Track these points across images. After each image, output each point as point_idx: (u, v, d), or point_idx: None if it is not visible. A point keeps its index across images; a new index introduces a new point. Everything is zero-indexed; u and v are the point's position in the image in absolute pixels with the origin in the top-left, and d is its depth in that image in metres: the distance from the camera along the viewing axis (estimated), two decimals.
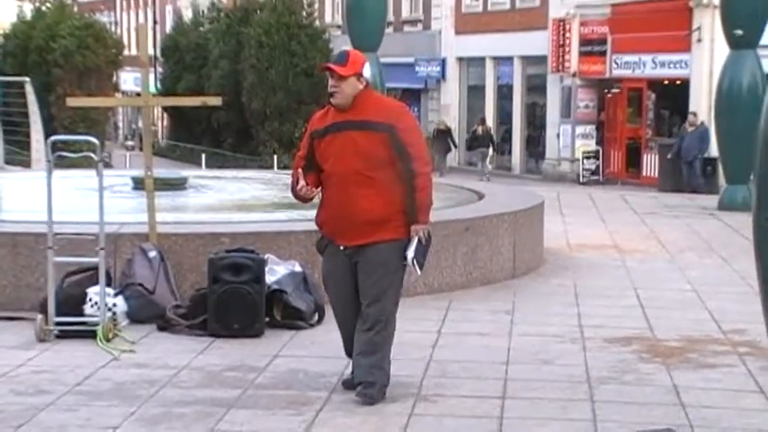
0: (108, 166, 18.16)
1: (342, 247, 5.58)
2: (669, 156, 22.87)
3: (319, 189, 5.64)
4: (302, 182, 5.54)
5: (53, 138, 7.18)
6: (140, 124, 50.00)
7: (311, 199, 5.68)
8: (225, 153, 33.04)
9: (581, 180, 26.92)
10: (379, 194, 5.44)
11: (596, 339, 7.12)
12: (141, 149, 43.24)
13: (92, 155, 7.18)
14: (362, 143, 5.42)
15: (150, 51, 54.64)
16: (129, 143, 44.54)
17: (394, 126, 5.43)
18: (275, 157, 27.98)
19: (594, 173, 27.44)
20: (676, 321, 7.70)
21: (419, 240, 5.53)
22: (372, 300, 5.56)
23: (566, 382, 6.11)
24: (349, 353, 5.81)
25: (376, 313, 5.57)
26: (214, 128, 33.57)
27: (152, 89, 51.33)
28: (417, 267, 5.57)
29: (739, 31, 14.21)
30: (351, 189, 5.45)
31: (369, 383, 5.58)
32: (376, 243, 5.50)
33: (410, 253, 5.51)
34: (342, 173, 5.46)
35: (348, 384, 5.79)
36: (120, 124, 54.20)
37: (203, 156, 28.73)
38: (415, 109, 36.03)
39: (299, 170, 5.57)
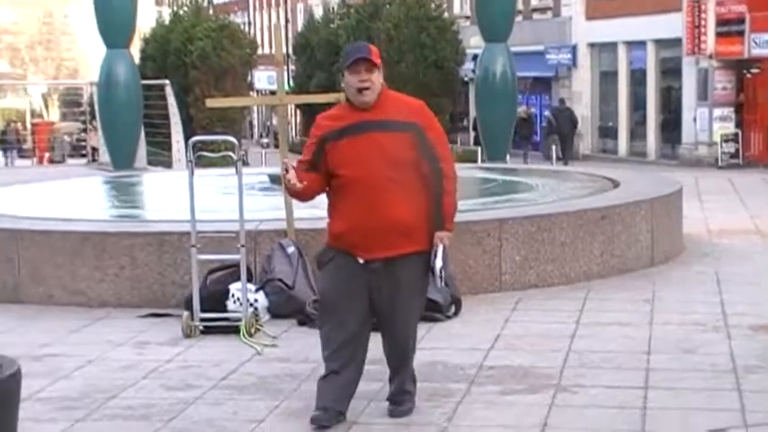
0: (245, 164, 18.45)
1: (362, 261, 4.99)
2: None
3: (312, 187, 5.10)
4: (291, 172, 5.02)
5: (194, 138, 7.39)
6: (275, 122, 50.94)
7: (300, 192, 5.10)
8: None
9: (720, 164, 26.24)
10: (406, 201, 4.93)
11: (741, 327, 6.95)
12: (276, 147, 44.08)
13: (231, 154, 7.37)
14: (388, 145, 4.88)
15: (283, 50, 55.74)
16: (264, 140, 45.40)
17: (419, 125, 4.99)
18: None
19: (734, 156, 26.70)
20: None
21: (444, 249, 5.08)
22: (403, 322, 5.15)
23: (710, 372, 5.99)
24: (334, 371, 5.23)
25: (405, 336, 5.22)
26: None
27: (285, 87, 52.21)
28: (442, 279, 5.14)
29: None
30: (378, 196, 4.88)
31: (407, 393, 5.38)
32: (404, 256, 5.01)
33: (438, 262, 5.04)
34: (367, 178, 4.89)
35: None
36: (255, 122, 55.26)
37: None
38: (547, 97, 35.69)
39: (287, 163, 5.12)
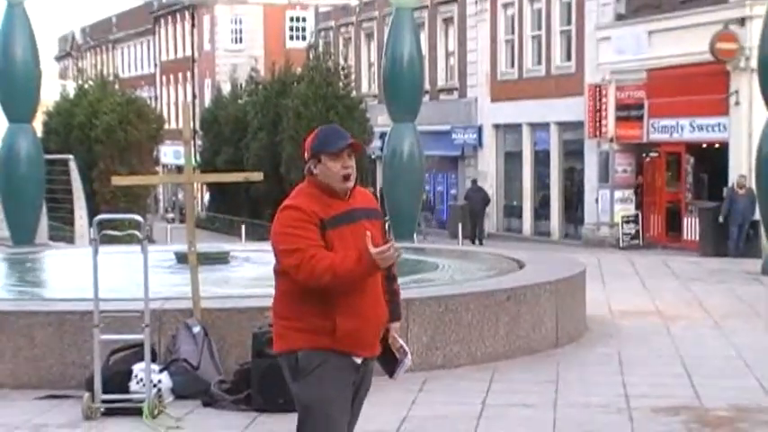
0: (151, 240, 18.32)
1: (360, 361, 4.57)
2: (721, 219, 22.63)
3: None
4: (369, 244, 4.37)
5: (99, 217, 7.30)
6: (180, 197, 50.60)
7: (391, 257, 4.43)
8: (264, 224, 33.25)
9: (621, 245, 26.78)
10: (381, 292, 4.63)
11: (643, 409, 7.04)
12: (182, 222, 43.44)
13: (136, 233, 7.28)
14: (374, 234, 4.51)
15: (191, 127, 55.48)
16: (170, 215, 44.99)
17: (381, 213, 4.79)
18: None
19: (634, 237, 27.30)
20: (724, 390, 7.60)
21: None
22: (357, 416, 4.78)
23: None
24: None
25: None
26: (253, 199, 33.85)
27: (192, 164, 51.97)
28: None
29: None
30: (375, 289, 4.55)
31: None
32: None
33: (408, 360, 4.74)
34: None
35: None
36: (161, 197, 54.79)
37: (243, 227, 28.93)
38: (453, 176, 36.17)
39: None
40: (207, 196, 44.40)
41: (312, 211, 4.47)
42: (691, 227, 25.76)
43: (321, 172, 4.51)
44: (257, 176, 8.19)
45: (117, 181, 7.90)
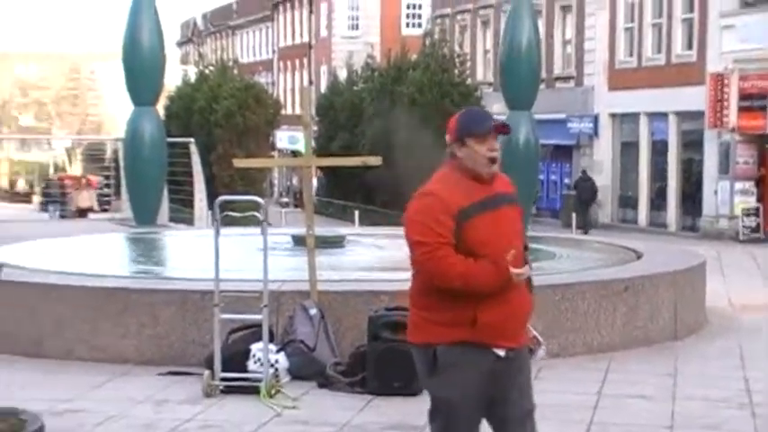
0: (267, 223, 18.46)
1: (502, 353, 4.36)
2: None
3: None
4: (509, 264, 4.24)
5: (221, 198, 7.44)
6: (294, 182, 51.19)
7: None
8: (377, 210, 33.42)
9: (740, 238, 26.14)
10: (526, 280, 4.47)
11: (766, 405, 6.87)
12: (296, 206, 43.94)
13: (257, 214, 7.41)
14: (516, 220, 4.43)
15: (310, 112, 56.18)
16: (284, 200, 45.59)
17: (516, 195, 4.58)
18: None
19: (755, 230, 26.61)
20: None
21: None
22: (530, 408, 4.53)
23: None
24: None
25: (533, 428, 4.56)
26: (366, 185, 34.02)
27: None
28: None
29: None
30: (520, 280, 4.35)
31: None
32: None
33: (542, 351, 4.65)
34: (516, 258, 4.34)
35: None
36: (276, 182, 55.53)
37: (356, 213, 29.12)
38: (567, 166, 35.77)
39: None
40: (315, 181, 44.83)
41: (450, 201, 4.28)
42: None
43: (465, 155, 4.35)
44: (375, 161, 8.24)
45: (238, 163, 8.05)
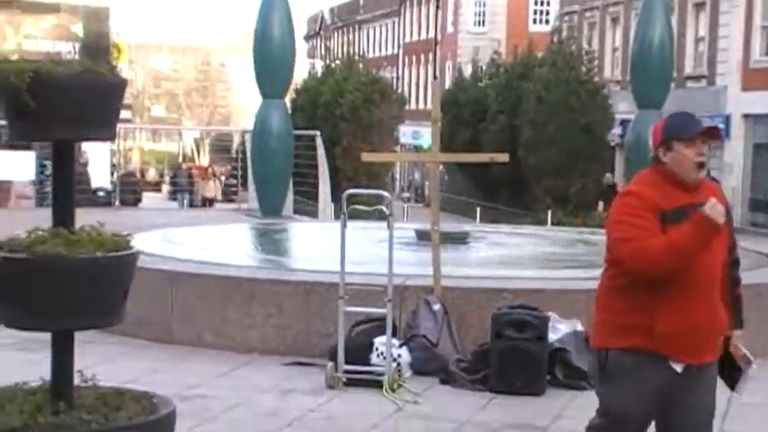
0: (377, 213, 18.48)
1: (680, 368, 4.20)
2: None
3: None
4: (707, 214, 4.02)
5: (349, 191, 7.50)
6: (417, 177, 51.30)
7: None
8: (499, 207, 33.28)
9: None
10: (718, 295, 4.30)
11: None
12: (417, 201, 43.89)
13: (383, 208, 7.45)
14: (723, 233, 4.20)
15: (429, 106, 56.03)
16: (405, 195, 45.71)
17: (727, 209, 4.28)
18: (549, 212, 27.87)
19: None
20: None
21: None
22: (708, 417, 4.39)
23: None
24: None
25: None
26: (489, 182, 33.91)
27: (429, 143, 52.67)
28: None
29: None
30: (710, 290, 4.20)
31: None
32: (715, 360, 4.37)
33: (754, 366, 4.43)
34: (708, 272, 4.18)
35: None
36: (397, 176, 55.74)
37: (478, 209, 29.04)
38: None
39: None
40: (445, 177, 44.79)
41: (653, 200, 4.15)
42: None
43: (672, 159, 4.21)
44: (503, 157, 8.19)
45: (366, 157, 8.11)
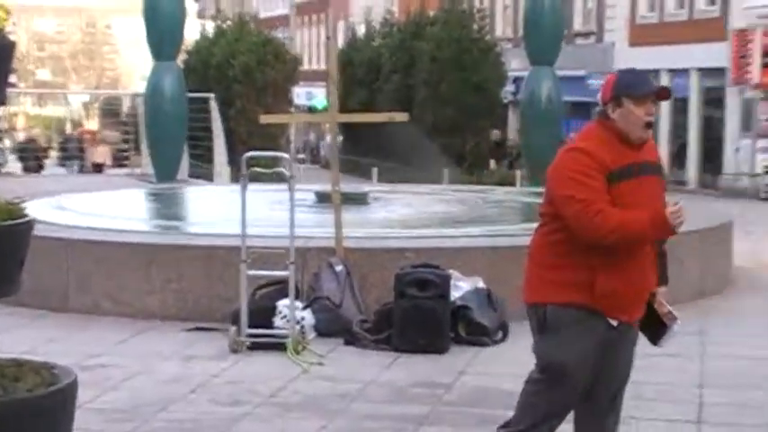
0: (276, 175, 18.34)
1: (616, 324, 4.24)
2: None
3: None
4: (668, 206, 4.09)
5: (248, 154, 7.38)
6: (312, 137, 51.03)
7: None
8: (395, 166, 33.32)
9: (761, 196, 25.97)
10: (651, 254, 4.33)
11: None
12: (314, 162, 43.53)
13: (284, 170, 7.37)
14: (661, 192, 4.27)
15: (323, 67, 55.37)
16: (301, 156, 45.45)
17: (660, 165, 4.41)
18: (445, 171, 28.04)
19: None
20: None
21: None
22: (623, 385, 4.50)
23: (767, 408, 5.90)
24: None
25: (621, 401, 4.55)
26: (384, 141, 33.91)
27: (323, 103, 52.44)
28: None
29: None
30: (644, 249, 4.22)
31: None
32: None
33: (677, 327, 4.48)
34: None
35: None
36: (293, 137, 55.39)
37: (375, 169, 29.03)
38: (586, 122, 35.54)
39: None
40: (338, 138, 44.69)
41: (602, 159, 4.12)
42: None
43: (621, 116, 4.18)
44: (402, 117, 8.17)
45: (265, 119, 8.01)
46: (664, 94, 4.26)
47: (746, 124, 27.71)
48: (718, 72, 28.73)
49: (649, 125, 4.19)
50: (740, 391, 6.25)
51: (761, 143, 27.29)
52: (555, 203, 4.24)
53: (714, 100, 29.80)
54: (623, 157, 4.16)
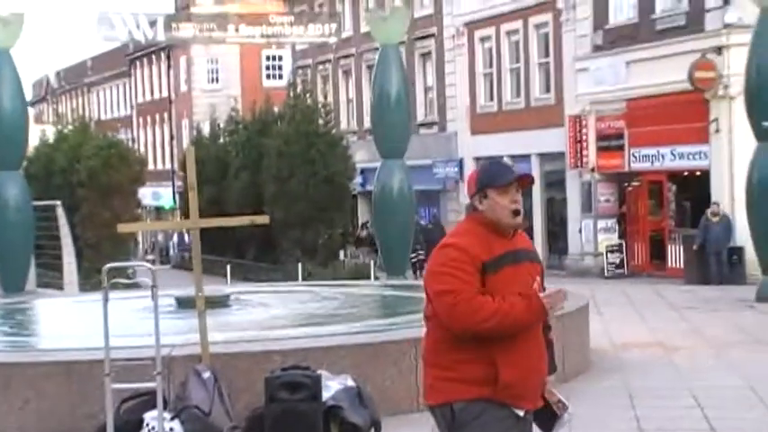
0: (136, 285, 17.98)
1: (522, 414, 4.27)
2: (695, 247, 22.83)
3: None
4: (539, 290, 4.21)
5: (109, 265, 7.24)
6: (160, 238, 50.33)
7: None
8: (248, 263, 33.16)
9: (606, 274, 26.83)
10: (544, 341, 4.41)
11: None
12: (162, 263, 42.77)
13: (146, 280, 7.25)
14: (537, 278, 4.33)
15: (168, 166, 54.84)
16: (150, 257, 44.73)
17: (536, 253, 4.50)
18: (299, 265, 28.04)
19: (619, 266, 27.34)
20: (738, 421, 7.61)
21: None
22: None
23: None
24: None
25: None
26: (236, 239, 33.76)
27: (171, 203, 51.96)
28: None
29: (767, 123, 14.34)
30: (538, 336, 4.30)
31: None
32: None
33: (567, 415, 4.51)
34: None
35: None
36: (140, 239, 54.54)
37: (228, 267, 28.80)
38: (435, 210, 36.22)
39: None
40: (185, 238, 44.19)
41: (474, 253, 4.16)
42: (675, 255, 25.86)
43: (488, 207, 4.26)
44: (263, 219, 8.18)
45: (123, 228, 7.88)
46: (525, 180, 4.33)
47: (587, 206, 28.71)
48: (558, 156, 29.79)
49: (517, 212, 4.26)
50: None
51: (601, 223, 28.29)
52: (432, 301, 4.26)
53: (555, 183, 30.83)
54: (497, 247, 4.22)
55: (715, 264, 22.31)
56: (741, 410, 7.97)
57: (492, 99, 33.27)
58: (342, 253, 32.63)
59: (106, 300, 7.05)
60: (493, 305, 4.10)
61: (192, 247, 8.14)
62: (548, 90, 30.89)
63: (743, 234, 20.29)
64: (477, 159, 33.93)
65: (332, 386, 7.58)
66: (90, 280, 22.32)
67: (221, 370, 7.74)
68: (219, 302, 10.55)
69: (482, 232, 4.25)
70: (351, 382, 7.70)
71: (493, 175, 4.31)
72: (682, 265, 24.35)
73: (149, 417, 7.22)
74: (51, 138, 35.83)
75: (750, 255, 19.12)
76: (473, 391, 4.15)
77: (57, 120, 40.63)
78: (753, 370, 9.52)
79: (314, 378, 7.31)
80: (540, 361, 4.29)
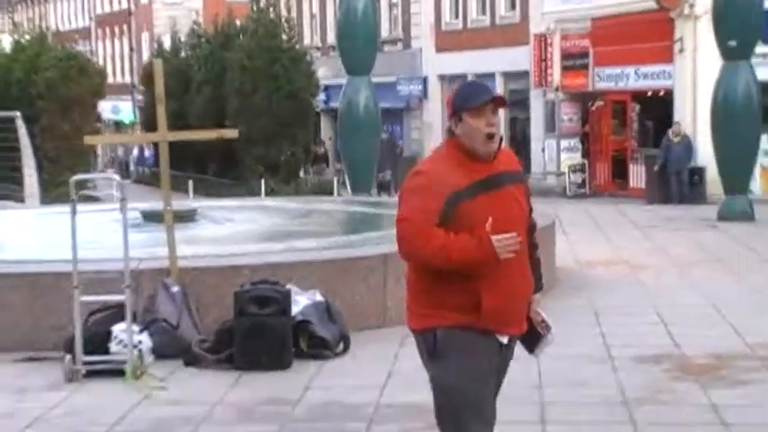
0: (97, 198, 17.99)
1: (505, 340, 4.17)
2: (656, 167, 22.99)
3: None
4: (489, 230, 3.96)
5: (76, 177, 7.17)
6: (120, 153, 49.83)
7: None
8: (210, 179, 32.96)
9: (568, 193, 26.99)
10: (528, 263, 4.26)
11: (625, 359, 7.14)
12: (123, 178, 42.63)
13: (115, 193, 7.18)
14: (521, 200, 4.17)
15: (128, 80, 54.09)
16: (111, 170, 44.33)
17: (523, 173, 4.32)
18: (262, 181, 27.93)
19: (581, 186, 27.51)
20: (701, 338, 7.73)
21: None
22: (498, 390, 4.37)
23: (603, 405, 6.13)
24: None
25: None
26: (198, 154, 33.48)
27: (131, 117, 51.35)
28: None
29: (733, 42, 14.36)
30: (523, 262, 4.14)
31: None
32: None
33: (551, 336, 4.46)
34: (522, 243, 4.08)
35: None
36: (99, 152, 53.99)
37: (190, 182, 28.62)
38: (398, 128, 36.11)
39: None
40: (145, 152, 43.75)
41: (444, 180, 4.00)
42: (637, 175, 26.03)
43: (463, 131, 4.06)
44: (232, 133, 8.10)
45: (90, 140, 7.77)
46: (498, 101, 4.13)
47: (550, 125, 28.75)
48: (522, 75, 29.73)
49: (491, 136, 4.04)
50: (576, 388, 6.48)
51: (564, 143, 28.37)
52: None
53: (519, 102, 30.80)
54: (474, 172, 4.06)
55: (676, 183, 22.51)
56: (703, 327, 8.10)
57: (457, 16, 33.03)
58: (302, 170, 32.55)
59: (74, 212, 6.98)
60: (440, 241, 3.97)
61: (159, 161, 8.05)
62: (513, 7, 30.69)
63: (705, 154, 20.48)
64: (442, 77, 33.81)
65: (301, 301, 7.61)
66: (50, 193, 22.11)
67: (190, 284, 7.73)
68: (186, 216, 10.48)
69: (458, 157, 4.08)
70: (319, 298, 7.73)
71: (466, 97, 4.11)
72: (643, 185, 24.54)
73: (117, 329, 7.22)
74: (8, 48, 35.13)
75: (711, 175, 19.30)
76: (456, 318, 4.05)
77: (13, 29, 39.78)
78: (715, 288, 9.66)
79: (283, 293, 7.32)
80: (525, 285, 4.19)
